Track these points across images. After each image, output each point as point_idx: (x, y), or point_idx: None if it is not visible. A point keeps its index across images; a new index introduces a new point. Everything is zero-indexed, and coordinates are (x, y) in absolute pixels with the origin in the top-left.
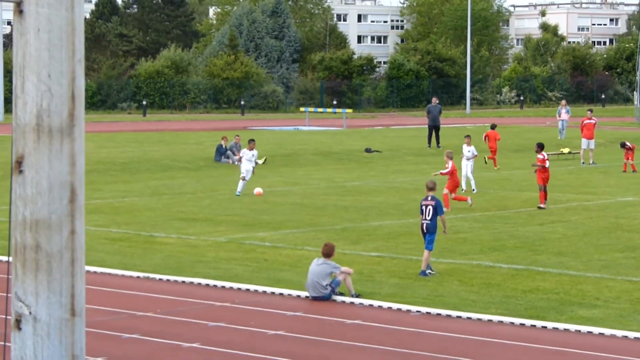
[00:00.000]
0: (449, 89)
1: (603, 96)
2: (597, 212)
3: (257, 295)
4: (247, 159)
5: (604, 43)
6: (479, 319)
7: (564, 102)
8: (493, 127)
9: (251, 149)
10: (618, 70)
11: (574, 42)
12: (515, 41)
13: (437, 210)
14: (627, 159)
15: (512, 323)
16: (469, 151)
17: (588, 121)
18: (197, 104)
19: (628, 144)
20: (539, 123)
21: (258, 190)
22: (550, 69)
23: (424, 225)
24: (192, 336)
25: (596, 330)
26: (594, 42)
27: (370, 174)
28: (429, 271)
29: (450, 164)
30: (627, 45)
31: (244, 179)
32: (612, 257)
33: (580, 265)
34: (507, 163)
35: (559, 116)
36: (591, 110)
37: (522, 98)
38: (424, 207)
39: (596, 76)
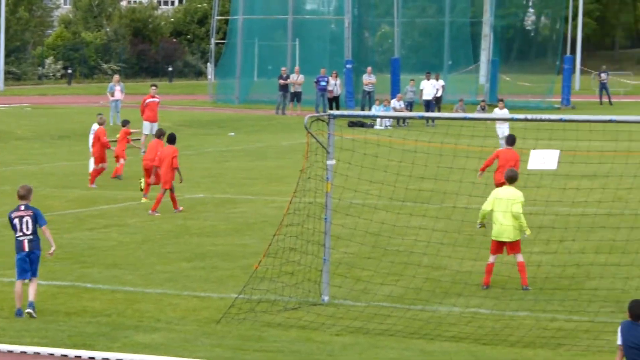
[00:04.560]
0: None
1: (170, 69)
2: (161, 212)
3: None
4: None
5: (172, 3)
6: (10, 351)
7: (116, 77)
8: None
9: None
10: (188, 36)
11: (135, 1)
12: (62, 0)
13: (38, 220)
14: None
15: (52, 354)
16: None
17: (151, 99)
18: None
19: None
20: (92, 102)
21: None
22: (105, 35)
23: (26, 242)
24: None
25: (157, 359)
26: (160, 2)
27: None
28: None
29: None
30: (199, 5)
31: None
32: (177, 267)
33: (138, 280)
34: (51, 153)
35: (112, 95)
36: (155, 86)
37: (70, 71)
38: (17, 220)
39: (162, 44)
